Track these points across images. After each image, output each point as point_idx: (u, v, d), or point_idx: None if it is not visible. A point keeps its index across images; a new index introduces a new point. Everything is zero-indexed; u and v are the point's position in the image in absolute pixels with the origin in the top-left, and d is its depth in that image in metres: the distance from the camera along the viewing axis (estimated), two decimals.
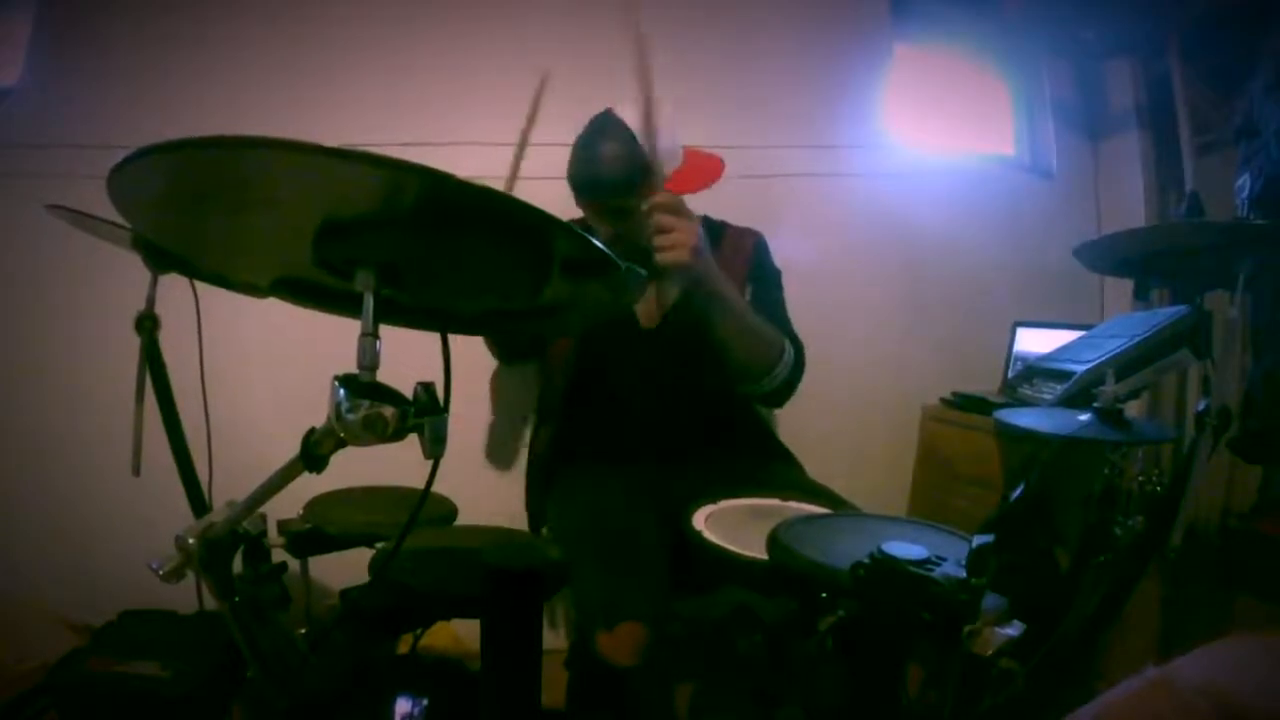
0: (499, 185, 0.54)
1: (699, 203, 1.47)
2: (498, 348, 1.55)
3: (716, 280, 1.22)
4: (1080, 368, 1.47)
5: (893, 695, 0.77)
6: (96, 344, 1.70)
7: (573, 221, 1.50)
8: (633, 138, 1.28)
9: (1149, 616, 1.42)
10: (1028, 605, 0.76)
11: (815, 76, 2.07)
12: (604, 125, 1.36)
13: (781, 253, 1.58)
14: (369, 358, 0.62)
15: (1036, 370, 1.68)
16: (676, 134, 1.34)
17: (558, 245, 0.66)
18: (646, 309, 1.45)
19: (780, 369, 1.31)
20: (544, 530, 1.48)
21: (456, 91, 1.90)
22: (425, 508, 0.70)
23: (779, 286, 1.53)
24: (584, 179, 1.36)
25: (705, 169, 1.37)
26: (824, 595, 0.80)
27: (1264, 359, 1.70)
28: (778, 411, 1.76)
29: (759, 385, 1.32)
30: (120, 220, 0.73)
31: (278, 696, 0.76)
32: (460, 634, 1.68)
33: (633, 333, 1.45)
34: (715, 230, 1.53)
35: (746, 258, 1.50)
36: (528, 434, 1.86)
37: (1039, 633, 1.04)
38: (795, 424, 1.67)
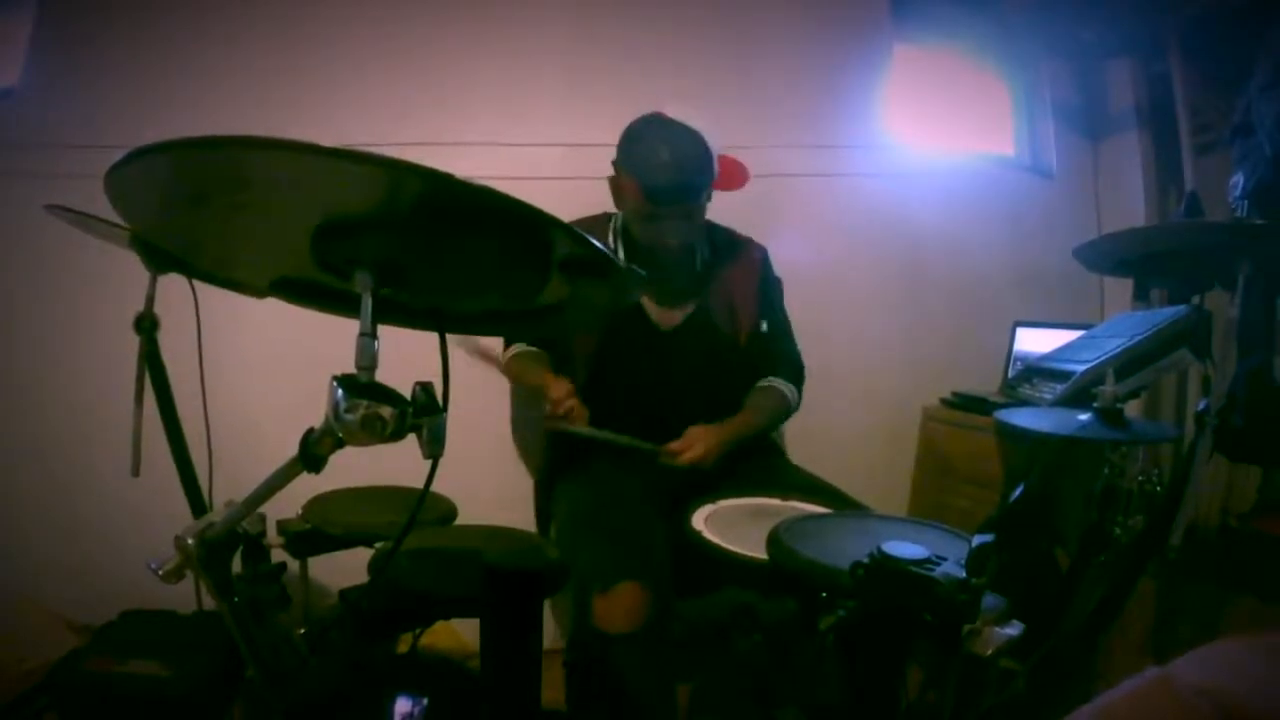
0: (498, 185, 0.54)
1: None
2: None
3: (734, 438, 1.38)
4: (1080, 368, 1.47)
5: (893, 695, 0.77)
6: (96, 344, 1.70)
7: (593, 219, 1.51)
8: (699, 138, 1.31)
9: (1149, 617, 1.41)
10: (1028, 605, 0.76)
11: (815, 76, 2.07)
12: (668, 127, 1.33)
13: (782, 253, 1.58)
14: (367, 358, 0.62)
15: (1036, 370, 1.68)
16: (716, 141, 1.37)
17: (557, 245, 0.66)
18: (666, 312, 1.46)
19: (792, 414, 1.55)
20: (552, 530, 1.48)
21: (456, 91, 1.90)
22: (425, 508, 0.70)
23: (781, 296, 1.58)
24: (666, 185, 1.31)
25: (733, 174, 1.45)
26: (824, 595, 0.80)
27: (1249, 357, 1.70)
28: None
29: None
30: (119, 220, 0.73)
31: (277, 696, 0.76)
32: (460, 634, 1.68)
33: (650, 334, 1.46)
34: (721, 238, 1.54)
35: (755, 269, 1.53)
36: (528, 433, 1.86)
37: (1039, 633, 1.04)
38: (796, 423, 1.67)
